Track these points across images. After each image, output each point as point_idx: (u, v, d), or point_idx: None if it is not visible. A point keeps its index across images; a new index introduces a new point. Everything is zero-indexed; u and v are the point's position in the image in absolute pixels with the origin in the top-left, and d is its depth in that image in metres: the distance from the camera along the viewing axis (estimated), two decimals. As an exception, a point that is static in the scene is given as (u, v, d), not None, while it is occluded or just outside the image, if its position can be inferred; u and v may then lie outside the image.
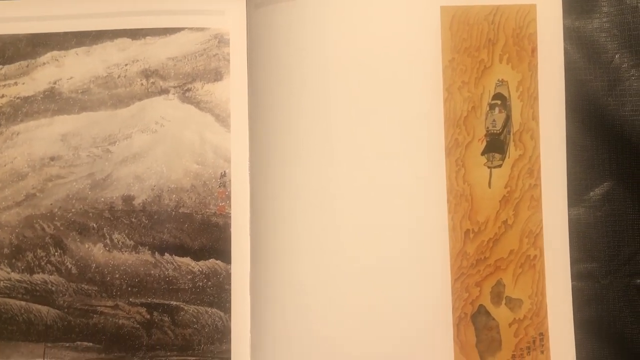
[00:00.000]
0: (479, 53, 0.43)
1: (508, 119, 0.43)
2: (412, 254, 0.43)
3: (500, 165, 0.43)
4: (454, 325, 0.43)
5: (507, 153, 0.43)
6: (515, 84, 0.43)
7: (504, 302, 0.43)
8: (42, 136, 0.44)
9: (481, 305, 0.43)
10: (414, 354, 0.43)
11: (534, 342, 0.43)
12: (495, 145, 0.43)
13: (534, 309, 0.43)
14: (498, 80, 0.43)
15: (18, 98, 0.44)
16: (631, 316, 0.43)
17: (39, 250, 0.43)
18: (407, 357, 0.43)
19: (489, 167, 0.43)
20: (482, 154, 0.43)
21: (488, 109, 0.43)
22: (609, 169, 0.44)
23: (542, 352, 0.43)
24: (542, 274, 0.43)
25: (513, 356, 0.43)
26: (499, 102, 0.43)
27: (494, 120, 0.43)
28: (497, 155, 0.43)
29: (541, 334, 0.43)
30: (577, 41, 0.44)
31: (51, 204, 0.43)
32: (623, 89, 0.44)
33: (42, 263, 0.43)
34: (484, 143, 0.43)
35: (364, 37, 0.43)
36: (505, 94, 0.43)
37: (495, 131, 0.43)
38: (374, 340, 0.42)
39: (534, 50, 0.43)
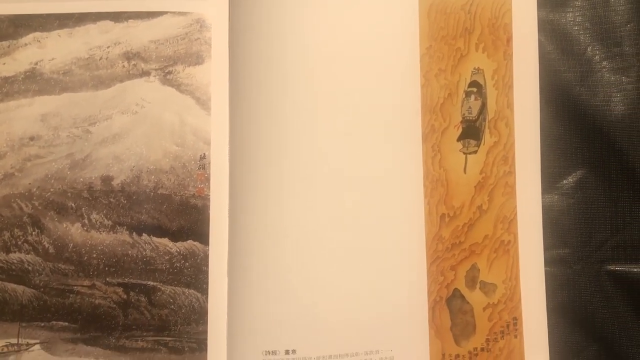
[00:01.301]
0: (456, 41, 0.44)
1: (483, 106, 0.44)
2: (389, 237, 0.43)
3: (475, 152, 0.44)
4: (429, 309, 0.44)
5: (483, 140, 0.44)
6: (490, 72, 0.44)
7: (478, 286, 0.44)
8: (22, 116, 0.44)
9: (456, 289, 0.44)
10: (391, 337, 0.43)
11: (507, 326, 0.44)
12: (471, 131, 0.44)
13: (507, 294, 0.44)
14: (474, 69, 0.44)
15: (-1, 78, 0.44)
16: (602, 301, 0.44)
17: (16, 230, 0.43)
18: (385, 341, 0.43)
19: (464, 153, 0.44)
20: (458, 140, 0.44)
21: (464, 96, 0.44)
22: (581, 158, 0.45)
23: (515, 336, 0.44)
24: (515, 259, 0.44)
25: (487, 340, 0.44)
26: (474, 89, 0.44)
27: (469, 107, 0.44)
28: (473, 142, 0.44)
29: (515, 318, 0.44)
30: (551, 33, 0.45)
31: (30, 184, 0.43)
32: (595, 80, 0.45)
33: (19, 242, 0.43)
34: (460, 129, 0.44)
35: (343, 24, 0.44)
36: (481, 81, 0.44)
37: (471, 118, 0.44)
38: (351, 322, 0.43)
39: (509, 40, 0.44)
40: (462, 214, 0.44)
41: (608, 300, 0.44)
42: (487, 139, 0.44)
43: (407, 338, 0.43)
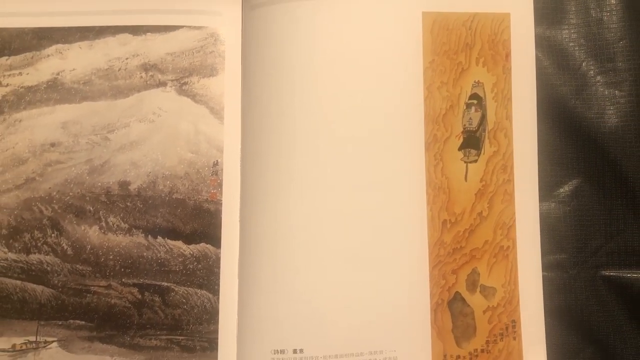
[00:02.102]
0: (457, 56, 0.46)
1: (483, 117, 0.46)
2: (393, 241, 0.45)
3: (476, 161, 0.46)
4: (431, 311, 0.45)
5: (483, 149, 0.46)
6: (490, 86, 0.46)
7: (478, 289, 0.46)
8: (43, 123, 0.46)
9: (457, 292, 0.45)
10: (395, 338, 0.45)
11: (506, 328, 0.45)
12: (471, 141, 0.46)
13: (507, 297, 0.45)
14: (474, 82, 0.46)
15: (22, 87, 0.46)
16: (597, 305, 0.46)
17: (36, 232, 0.45)
18: (389, 341, 0.44)
19: (465, 162, 0.46)
20: (459, 149, 0.46)
21: (465, 107, 0.46)
22: (577, 167, 0.47)
23: (514, 338, 0.45)
24: (514, 264, 0.45)
25: (487, 342, 0.45)
26: (475, 101, 0.46)
27: (470, 119, 0.46)
28: (473, 151, 0.46)
29: (513, 321, 0.45)
30: (547, 49, 0.48)
31: (50, 188, 0.45)
32: (589, 93, 0.47)
33: (39, 244, 0.45)
34: (461, 139, 0.46)
35: (350, 40, 0.46)
36: (481, 94, 0.46)
37: (471, 128, 0.46)
38: (356, 323, 0.44)
39: (507, 55, 0.46)
40: (463, 220, 0.46)
41: (603, 304, 0.46)
42: (487, 148, 0.46)
43: (410, 339, 0.45)
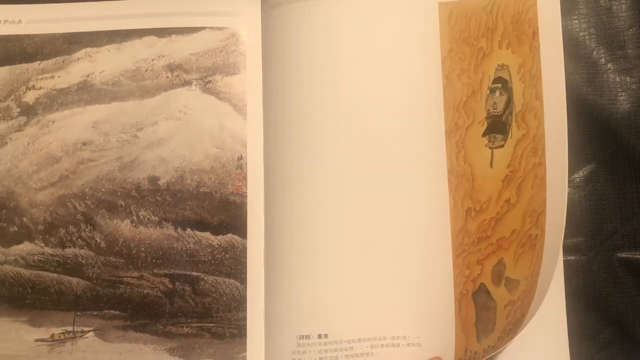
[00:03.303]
0: (478, 42, 0.45)
1: (510, 100, 0.44)
2: (415, 229, 0.45)
3: (502, 146, 0.44)
4: (456, 301, 0.45)
5: (510, 133, 0.44)
6: (516, 67, 0.44)
7: (503, 282, 0.44)
8: (75, 123, 0.48)
9: (482, 284, 0.44)
10: (419, 324, 0.44)
11: (516, 323, 0.42)
12: (497, 126, 0.45)
13: (526, 291, 0.42)
14: (498, 65, 0.45)
15: (54, 90, 0.48)
16: (614, 286, 0.47)
17: (70, 227, 0.47)
18: (412, 328, 0.44)
19: (490, 148, 0.45)
20: (484, 135, 0.45)
21: (488, 92, 0.45)
22: (591, 153, 0.48)
23: (515, 332, 0.41)
24: (540, 254, 0.42)
25: (499, 338, 0.43)
26: (499, 85, 0.45)
27: (495, 103, 0.45)
28: (499, 136, 0.45)
29: (523, 314, 0.41)
30: (558, 39, 0.49)
31: (83, 185, 0.47)
32: (601, 81, 0.48)
33: (74, 238, 0.47)
34: (485, 125, 0.45)
35: (367, 35, 0.47)
36: (506, 77, 0.45)
37: (496, 113, 0.45)
38: (379, 308, 0.45)
39: (534, 33, 0.44)
40: (489, 208, 0.44)
41: (620, 286, 0.47)
42: (515, 132, 0.44)
43: (435, 327, 0.44)
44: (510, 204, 0.44)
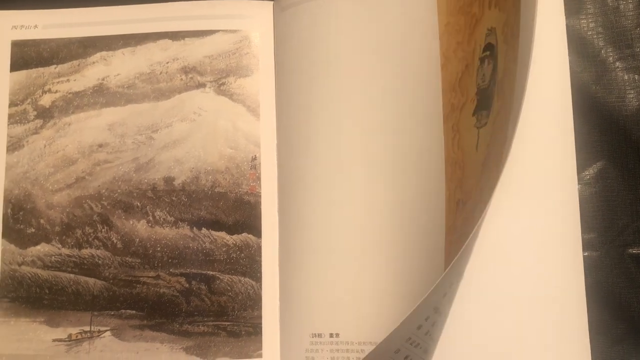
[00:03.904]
0: (471, 8, 0.43)
1: (494, 68, 0.39)
2: (429, 225, 0.44)
3: (486, 124, 0.39)
4: None
5: (493, 108, 0.38)
6: (501, 27, 0.38)
7: None
8: (91, 126, 0.49)
9: None
10: None
11: None
12: (484, 101, 0.40)
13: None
14: (487, 30, 0.41)
15: (70, 93, 0.49)
16: (626, 282, 0.47)
17: (87, 228, 0.47)
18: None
19: (477, 128, 0.41)
20: (473, 114, 0.41)
21: (479, 64, 0.42)
22: (600, 150, 0.49)
23: None
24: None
25: None
26: (488, 53, 0.41)
27: (483, 75, 0.41)
28: (484, 113, 0.39)
29: None
30: (567, 37, 0.49)
31: (99, 186, 0.48)
32: (609, 79, 0.49)
33: (90, 239, 0.47)
34: (475, 102, 0.41)
35: (374, 31, 0.47)
36: (493, 41, 0.40)
37: (484, 86, 0.41)
38: (392, 311, 0.44)
39: None
40: (471, 199, 0.40)
41: (632, 281, 0.47)
42: (495, 104, 0.37)
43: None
44: None
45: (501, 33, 0.38)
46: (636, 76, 0.49)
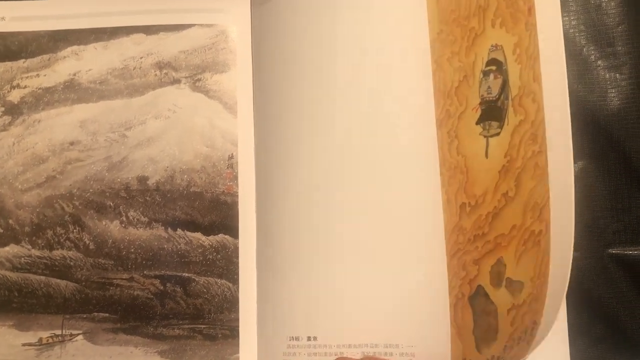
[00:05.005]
0: (469, 21, 0.43)
1: (505, 83, 0.41)
2: (408, 229, 0.44)
3: (498, 134, 0.41)
4: (451, 306, 0.42)
5: (506, 120, 0.40)
6: (511, 47, 0.40)
7: (504, 284, 0.40)
8: (62, 123, 0.47)
9: (480, 286, 0.41)
10: (412, 333, 0.43)
11: (525, 332, 0.38)
12: (492, 112, 0.42)
13: (534, 294, 0.38)
14: (492, 46, 0.42)
15: (40, 89, 0.47)
16: (606, 282, 0.47)
17: (58, 228, 0.46)
18: (405, 336, 0.43)
19: (485, 137, 0.42)
20: (477, 123, 0.42)
21: (482, 76, 0.42)
22: (581, 150, 0.48)
23: (527, 342, 0.37)
24: (546, 253, 0.37)
25: (505, 347, 0.39)
26: (493, 67, 0.42)
27: (489, 87, 0.42)
28: (495, 123, 0.41)
29: (534, 322, 0.37)
30: (549, 36, 0.49)
31: (70, 185, 0.46)
32: (591, 77, 0.49)
33: (62, 240, 0.46)
34: (479, 112, 0.42)
35: (356, 27, 0.46)
36: (501, 58, 0.41)
37: (491, 98, 0.42)
38: (371, 314, 0.44)
39: (530, 9, 0.40)
40: (484, 203, 0.41)
41: (612, 282, 0.47)
42: (512, 118, 0.40)
43: (429, 335, 0.43)
44: (509, 197, 0.40)
45: (511, 53, 0.40)
46: (618, 75, 0.48)
